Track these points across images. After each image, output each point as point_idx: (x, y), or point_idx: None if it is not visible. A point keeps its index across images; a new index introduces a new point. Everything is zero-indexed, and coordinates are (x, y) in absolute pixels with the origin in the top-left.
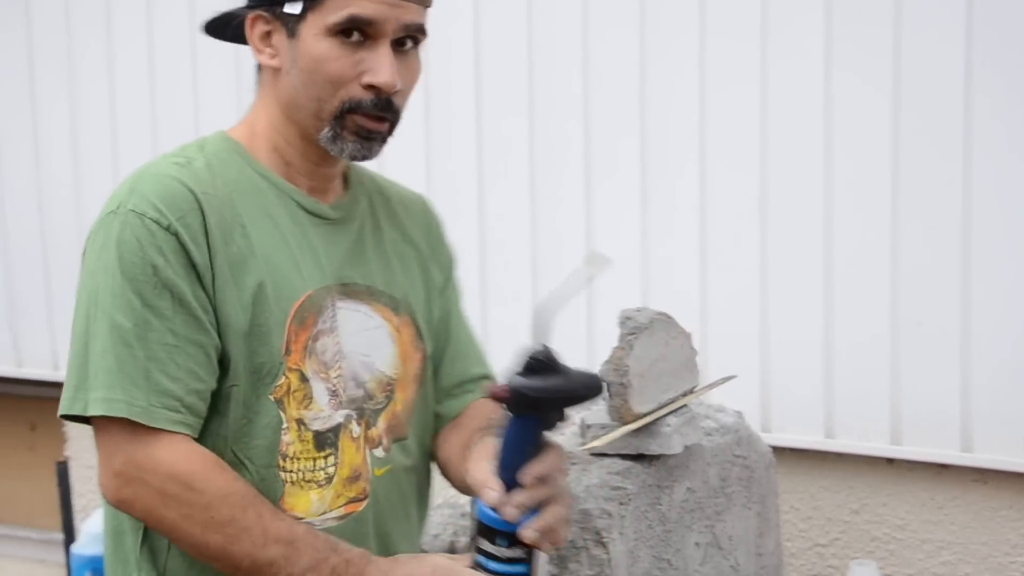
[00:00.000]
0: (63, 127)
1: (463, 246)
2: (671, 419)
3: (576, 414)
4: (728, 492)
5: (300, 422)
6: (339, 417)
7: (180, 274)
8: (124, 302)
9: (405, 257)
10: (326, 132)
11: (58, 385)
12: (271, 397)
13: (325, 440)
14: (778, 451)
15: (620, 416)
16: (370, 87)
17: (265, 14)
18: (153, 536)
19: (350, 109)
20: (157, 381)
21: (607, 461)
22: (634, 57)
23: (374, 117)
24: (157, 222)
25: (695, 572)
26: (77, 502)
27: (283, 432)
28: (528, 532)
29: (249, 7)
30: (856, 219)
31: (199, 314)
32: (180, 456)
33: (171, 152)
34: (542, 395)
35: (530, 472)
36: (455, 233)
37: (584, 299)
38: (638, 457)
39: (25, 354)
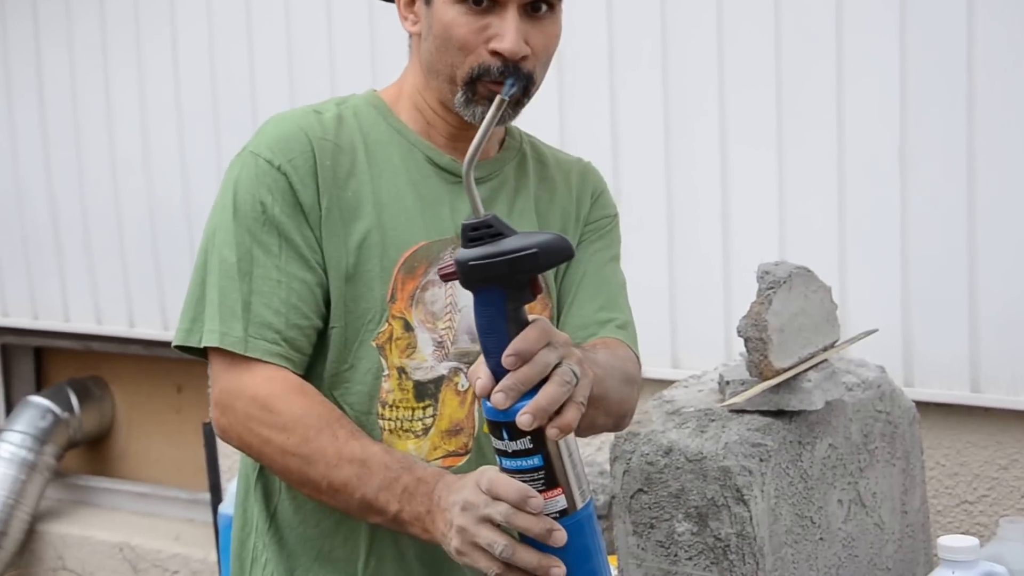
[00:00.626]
0: (205, 94)
1: None
2: (811, 374)
3: (715, 370)
4: (871, 448)
5: (401, 370)
6: (443, 369)
7: (287, 212)
8: (235, 238)
9: (547, 217)
10: (459, 97)
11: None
12: (373, 343)
13: (426, 391)
14: (922, 406)
15: (760, 372)
16: (496, 53)
17: None
18: (267, 477)
19: (479, 75)
20: (258, 313)
21: (746, 418)
22: (769, 9)
23: (503, 83)
24: (269, 162)
25: (839, 530)
26: (223, 463)
27: (383, 379)
28: (521, 417)
29: None
30: (998, 169)
31: (305, 252)
32: (263, 379)
33: (313, 104)
34: (489, 260)
35: (507, 352)
36: None
37: (721, 253)
38: (778, 413)
39: (171, 318)
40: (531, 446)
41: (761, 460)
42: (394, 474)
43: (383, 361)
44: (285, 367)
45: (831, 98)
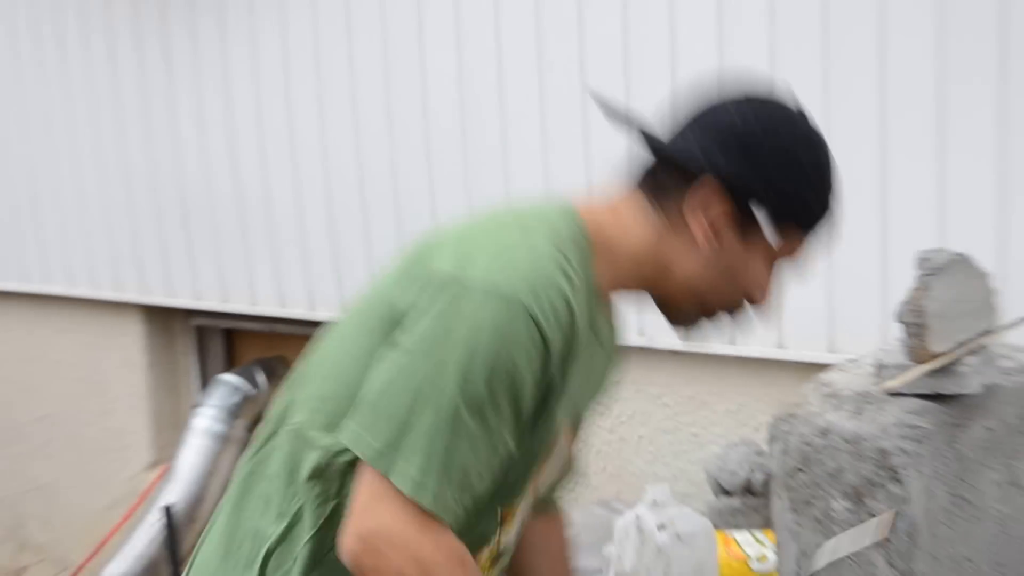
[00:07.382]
0: (379, 91)
1: None
2: (969, 359)
3: (873, 355)
4: None
5: (502, 535)
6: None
7: (532, 384)
8: (470, 387)
9: None
10: (688, 315)
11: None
12: (498, 509)
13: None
14: None
15: (917, 356)
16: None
17: (731, 200)
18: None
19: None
20: (466, 476)
21: (904, 401)
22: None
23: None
24: (541, 332)
25: (994, 510)
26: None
27: (488, 546)
28: None
29: (714, 169)
30: None
31: (521, 424)
32: (432, 543)
33: (542, 241)
34: None
35: None
36: None
37: (879, 238)
38: (935, 397)
39: (348, 300)
40: None
41: (917, 441)
42: None
43: (498, 528)
44: (451, 531)
45: (992, 82)
